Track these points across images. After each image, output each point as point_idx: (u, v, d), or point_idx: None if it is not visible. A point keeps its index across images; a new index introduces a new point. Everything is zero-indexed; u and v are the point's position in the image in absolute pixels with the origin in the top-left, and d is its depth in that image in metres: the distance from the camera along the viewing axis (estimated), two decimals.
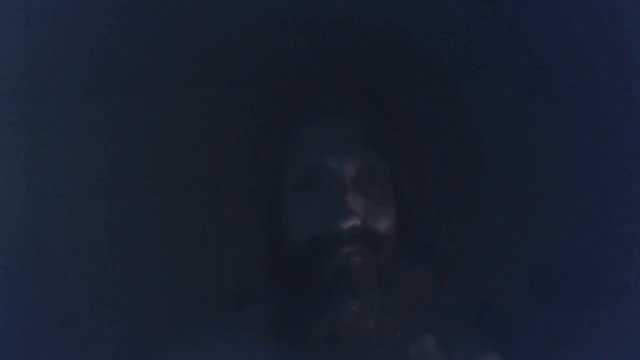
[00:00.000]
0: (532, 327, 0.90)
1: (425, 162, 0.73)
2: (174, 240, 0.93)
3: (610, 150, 0.89)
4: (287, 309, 0.67)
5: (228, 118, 0.78)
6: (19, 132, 0.91)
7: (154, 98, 0.94)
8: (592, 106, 0.90)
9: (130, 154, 0.94)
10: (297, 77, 0.71)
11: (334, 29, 0.88)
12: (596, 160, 0.90)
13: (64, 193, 0.93)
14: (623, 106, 0.87)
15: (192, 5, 0.87)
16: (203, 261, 0.94)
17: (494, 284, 0.92)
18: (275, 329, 0.67)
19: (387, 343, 0.65)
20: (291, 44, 0.89)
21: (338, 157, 0.65)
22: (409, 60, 0.90)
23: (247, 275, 0.75)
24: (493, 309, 0.93)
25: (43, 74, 0.91)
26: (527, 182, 0.94)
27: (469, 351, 0.69)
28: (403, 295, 0.66)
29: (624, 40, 0.85)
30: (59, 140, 0.93)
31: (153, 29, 0.90)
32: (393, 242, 0.66)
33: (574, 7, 0.87)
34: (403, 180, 0.69)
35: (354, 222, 0.63)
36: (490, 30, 0.90)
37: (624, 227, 0.88)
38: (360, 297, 0.63)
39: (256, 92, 0.74)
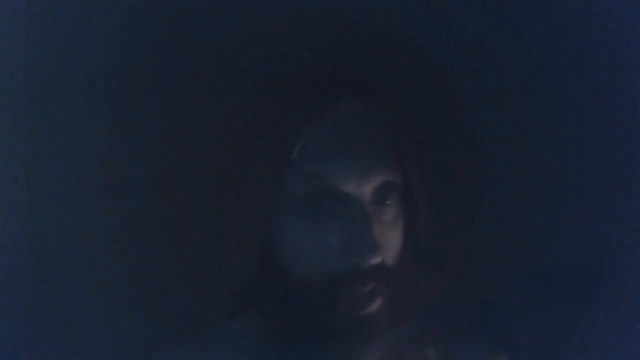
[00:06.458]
0: (532, 327, 0.90)
1: (430, 167, 0.70)
2: (173, 248, 0.92)
3: (611, 151, 0.89)
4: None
5: (230, 123, 0.73)
6: (19, 132, 0.91)
7: (156, 99, 0.94)
8: (592, 106, 0.90)
9: (130, 155, 0.94)
10: (303, 80, 0.65)
11: (331, 27, 0.88)
12: (596, 160, 0.90)
13: (64, 193, 0.93)
14: (623, 106, 0.87)
15: (196, 5, 0.87)
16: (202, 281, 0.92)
17: (494, 284, 0.92)
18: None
19: (389, 344, 0.63)
20: (302, 45, 0.87)
21: (356, 174, 0.57)
22: (409, 61, 0.90)
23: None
24: (494, 309, 0.93)
25: (44, 73, 0.91)
26: (527, 182, 0.94)
27: (470, 352, 0.68)
28: (405, 297, 0.61)
29: (624, 40, 0.85)
30: (59, 141, 0.93)
31: (155, 29, 0.90)
32: (405, 262, 0.61)
33: (574, 7, 0.87)
34: (413, 188, 0.63)
35: (380, 257, 0.56)
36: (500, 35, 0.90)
37: (624, 227, 0.88)
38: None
39: (261, 96, 0.69)
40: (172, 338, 0.70)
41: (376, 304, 0.57)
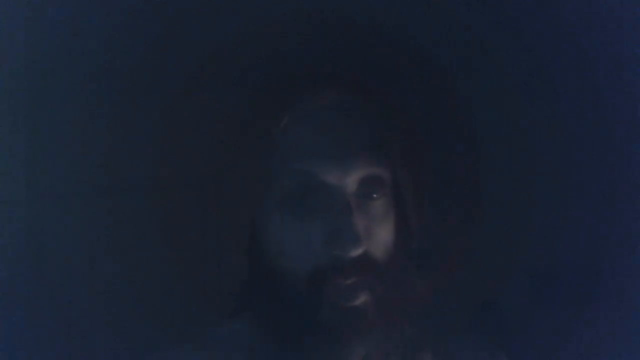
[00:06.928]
0: (532, 327, 0.90)
1: (424, 164, 0.69)
2: (171, 247, 0.92)
3: (611, 151, 0.89)
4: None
5: (229, 123, 0.73)
6: (19, 132, 0.91)
7: (156, 99, 0.94)
8: (592, 106, 0.90)
9: (130, 155, 0.94)
10: (298, 78, 0.64)
11: (331, 26, 0.88)
12: (596, 160, 0.90)
13: (64, 193, 0.93)
14: (623, 106, 0.87)
15: (196, 5, 0.87)
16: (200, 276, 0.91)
17: (494, 284, 0.92)
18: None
19: (380, 342, 0.62)
20: (288, 41, 0.88)
21: (338, 165, 0.57)
22: (409, 60, 0.90)
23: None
24: (494, 309, 0.93)
25: (44, 73, 0.91)
26: (527, 182, 0.94)
27: (470, 352, 0.68)
28: (395, 295, 0.60)
29: (624, 40, 0.85)
30: (59, 141, 0.93)
31: (155, 29, 0.90)
32: (396, 259, 0.59)
33: (574, 7, 0.87)
34: (403, 185, 0.62)
35: (361, 249, 0.55)
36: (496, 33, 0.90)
37: (624, 227, 0.88)
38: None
39: (242, 91, 0.68)
40: (172, 338, 0.70)
41: (361, 298, 0.56)
